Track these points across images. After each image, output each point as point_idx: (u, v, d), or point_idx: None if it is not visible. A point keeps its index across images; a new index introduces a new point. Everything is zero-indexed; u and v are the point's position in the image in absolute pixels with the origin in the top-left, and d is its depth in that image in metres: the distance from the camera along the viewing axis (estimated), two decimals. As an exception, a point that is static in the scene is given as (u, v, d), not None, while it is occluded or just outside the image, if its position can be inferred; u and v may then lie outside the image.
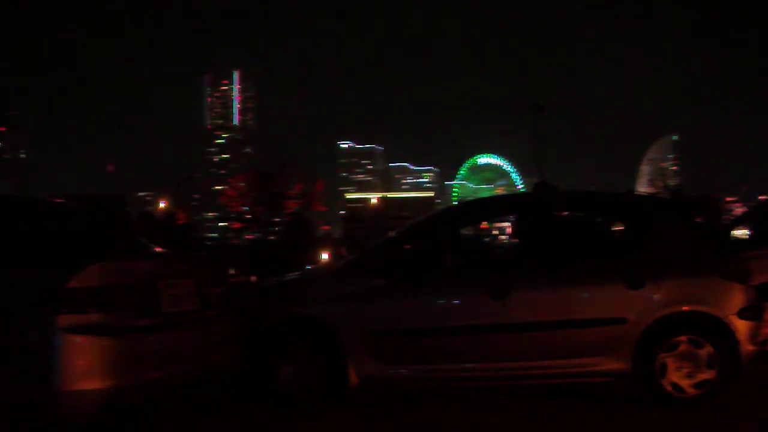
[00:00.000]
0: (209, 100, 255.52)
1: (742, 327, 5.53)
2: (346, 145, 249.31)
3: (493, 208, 7.51)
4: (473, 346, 5.65)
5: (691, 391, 5.51)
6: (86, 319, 3.93)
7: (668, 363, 5.52)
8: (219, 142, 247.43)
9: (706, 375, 5.51)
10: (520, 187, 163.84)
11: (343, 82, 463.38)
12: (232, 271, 6.12)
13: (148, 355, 4.22)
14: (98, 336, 3.97)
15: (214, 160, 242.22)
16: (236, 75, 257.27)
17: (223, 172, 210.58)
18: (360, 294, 5.77)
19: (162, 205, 67.79)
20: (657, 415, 5.38)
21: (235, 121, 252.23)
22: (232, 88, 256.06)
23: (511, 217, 7.14)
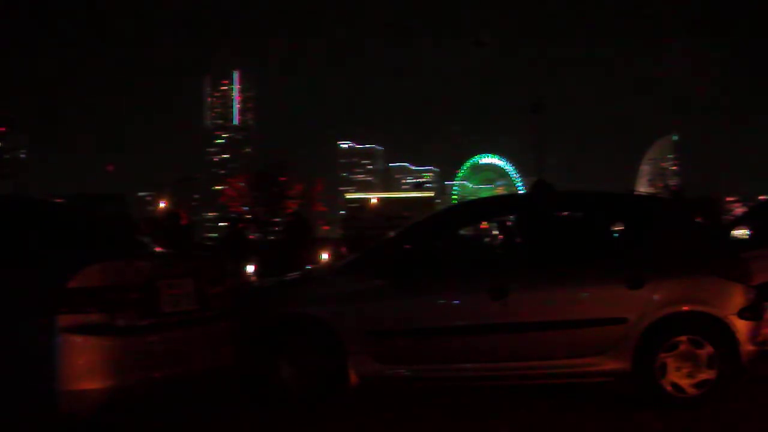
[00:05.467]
0: (209, 100, 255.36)
1: (742, 327, 5.53)
2: (346, 145, 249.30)
3: (493, 208, 7.51)
4: (473, 346, 5.65)
5: (691, 391, 5.51)
6: (86, 319, 3.93)
7: (668, 363, 5.52)
8: (219, 142, 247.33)
9: (706, 375, 5.51)
10: (520, 187, 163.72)
11: (343, 81, 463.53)
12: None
13: (148, 355, 4.22)
14: (98, 336, 3.97)
15: (214, 160, 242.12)
16: (236, 75, 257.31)
17: (223, 172, 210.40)
18: (360, 294, 5.78)
19: (162, 205, 67.89)
20: (657, 415, 5.38)
21: (235, 121, 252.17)
22: (232, 88, 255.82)
23: (511, 217, 7.15)
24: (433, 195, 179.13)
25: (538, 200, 7.01)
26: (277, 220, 59.65)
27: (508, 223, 7.23)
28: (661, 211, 6.50)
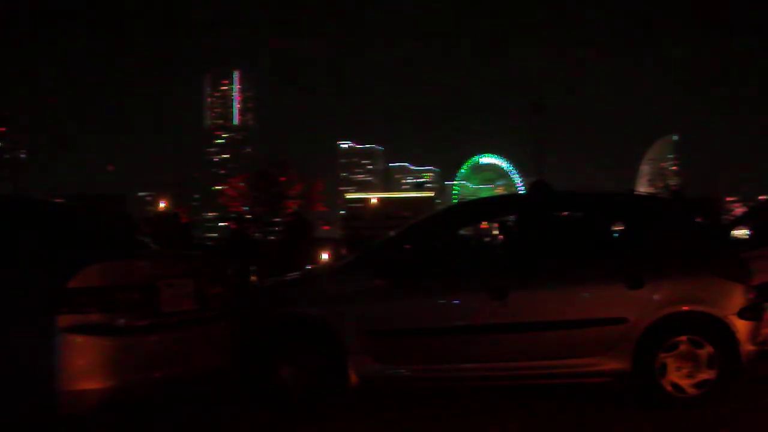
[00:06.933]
0: (209, 100, 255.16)
1: (742, 327, 5.53)
2: (346, 145, 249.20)
3: (493, 208, 7.50)
4: (473, 346, 5.65)
5: (691, 391, 5.51)
6: (86, 319, 3.93)
7: (668, 363, 5.52)
8: (219, 142, 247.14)
9: (706, 375, 5.51)
10: (520, 187, 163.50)
11: (343, 82, 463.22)
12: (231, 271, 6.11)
13: (148, 355, 4.22)
14: (98, 336, 3.97)
15: (214, 160, 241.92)
16: (236, 75, 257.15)
17: (223, 172, 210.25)
18: (360, 294, 5.78)
19: (162, 205, 67.87)
20: (657, 415, 5.38)
21: (235, 121, 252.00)
22: (232, 88, 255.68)
23: (511, 217, 7.14)
24: (433, 195, 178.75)
25: (537, 200, 7.00)
26: (278, 220, 59.68)
27: (508, 223, 7.21)
28: (661, 211, 6.50)
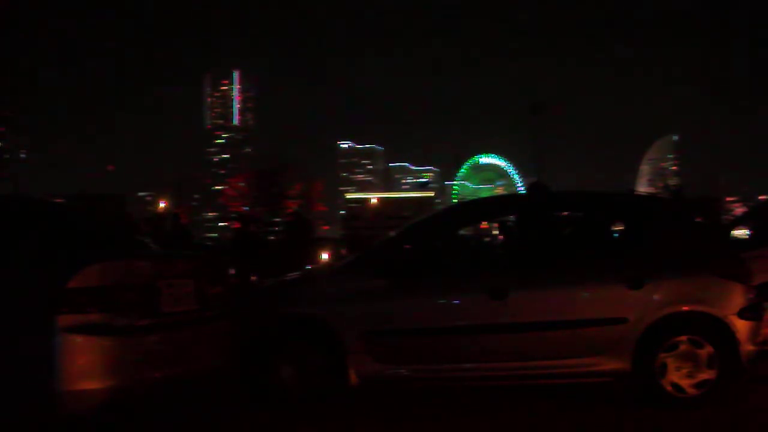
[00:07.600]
0: (209, 100, 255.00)
1: (742, 327, 5.53)
2: (346, 145, 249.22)
3: (493, 208, 7.49)
4: (473, 346, 5.65)
5: (691, 391, 5.51)
6: (86, 319, 3.93)
7: (668, 363, 5.52)
8: (219, 142, 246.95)
9: (706, 375, 5.51)
10: (520, 187, 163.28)
11: (344, 82, 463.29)
12: (231, 271, 6.11)
13: (148, 355, 4.22)
14: (98, 336, 3.97)
15: (214, 160, 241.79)
16: (236, 75, 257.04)
17: (223, 172, 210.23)
18: (360, 294, 5.78)
19: (162, 205, 67.93)
20: (657, 415, 5.38)
21: (235, 121, 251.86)
22: (232, 88, 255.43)
23: (511, 217, 7.14)
24: (433, 195, 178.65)
25: (539, 200, 7.01)
26: (278, 220, 59.75)
27: (508, 223, 7.22)
28: (661, 211, 6.50)
